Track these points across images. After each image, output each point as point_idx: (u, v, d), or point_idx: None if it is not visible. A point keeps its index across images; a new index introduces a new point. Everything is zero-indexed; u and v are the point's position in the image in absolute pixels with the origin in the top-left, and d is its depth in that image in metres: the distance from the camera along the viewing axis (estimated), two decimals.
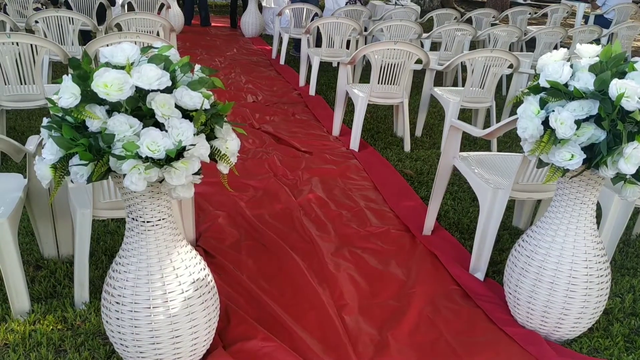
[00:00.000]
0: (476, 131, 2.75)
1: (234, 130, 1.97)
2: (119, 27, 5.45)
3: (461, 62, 4.78)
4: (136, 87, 1.75)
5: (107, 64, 1.79)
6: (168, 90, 1.85)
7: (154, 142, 1.74)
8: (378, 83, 4.37)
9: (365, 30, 6.78)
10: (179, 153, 1.79)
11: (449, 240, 3.05)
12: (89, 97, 1.73)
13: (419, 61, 4.46)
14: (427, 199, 3.52)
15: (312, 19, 7.63)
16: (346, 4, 8.97)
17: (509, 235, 3.16)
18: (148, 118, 1.79)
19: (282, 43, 7.76)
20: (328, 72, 7.22)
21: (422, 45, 7.53)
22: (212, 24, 10.89)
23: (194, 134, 1.81)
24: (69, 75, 1.75)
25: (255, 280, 2.61)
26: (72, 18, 5.38)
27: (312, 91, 6.10)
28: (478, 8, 9.34)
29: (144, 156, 1.72)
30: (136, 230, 1.97)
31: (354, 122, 4.40)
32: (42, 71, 4.36)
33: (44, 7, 7.12)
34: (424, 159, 4.29)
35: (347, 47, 6.56)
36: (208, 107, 1.89)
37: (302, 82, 6.53)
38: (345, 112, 4.95)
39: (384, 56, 4.31)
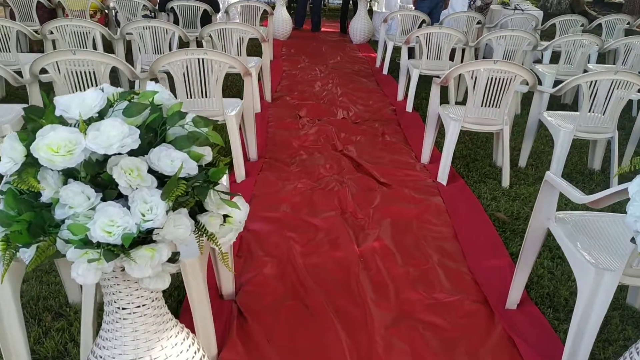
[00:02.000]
0: (578, 196, 2.06)
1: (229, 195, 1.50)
2: (211, 37, 5.20)
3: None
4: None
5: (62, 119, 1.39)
6: (147, 147, 1.42)
7: (111, 223, 1.31)
8: (475, 106, 3.71)
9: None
10: (146, 236, 1.35)
11: (537, 321, 2.38)
12: (33, 162, 1.34)
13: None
14: (517, 257, 2.84)
15: (420, 26, 6.99)
16: (469, 8, 8.21)
17: (619, 319, 2.42)
18: (112, 187, 1.37)
19: (387, 51, 7.20)
20: (430, 84, 6.54)
21: (541, 57, 6.63)
22: (322, 29, 10.54)
23: (168, 210, 1.37)
24: (13, 132, 1.37)
25: (285, 356, 2.13)
26: (167, 29, 5.20)
27: (409, 107, 5.50)
28: (614, 13, 8.16)
29: (95, 241, 1.30)
30: (112, 316, 1.56)
31: (444, 150, 3.77)
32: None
33: (152, 14, 7.10)
34: (524, 199, 3.57)
35: (452, 59, 5.87)
36: (194, 171, 1.43)
37: (400, 96, 5.94)
38: (440, 134, 4.31)
39: (482, 76, 3.64)
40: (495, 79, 3.66)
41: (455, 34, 5.37)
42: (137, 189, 1.36)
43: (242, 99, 3.91)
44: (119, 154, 1.34)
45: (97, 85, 3.65)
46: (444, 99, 4.19)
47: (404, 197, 3.48)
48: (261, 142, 4.42)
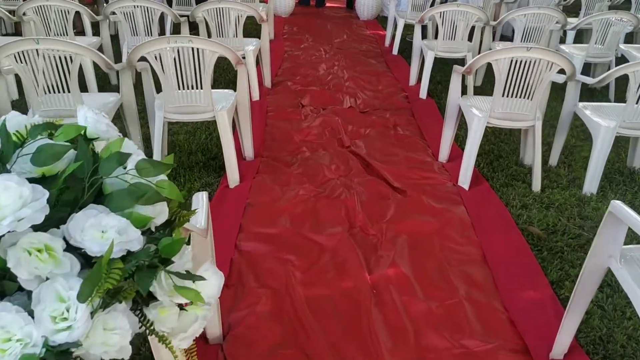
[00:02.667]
0: None
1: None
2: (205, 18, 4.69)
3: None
4: None
5: None
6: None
7: (5, 336, 0.85)
8: (502, 99, 3.21)
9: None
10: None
11: None
12: None
13: (562, 70, 3.22)
14: (559, 285, 2.39)
15: (432, 4, 6.43)
16: None
17: None
18: (9, 280, 0.91)
19: (397, 29, 6.65)
20: (447, 67, 6.01)
21: (564, 36, 6.07)
22: (327, 4, 9.95)
23: (95, 310, 0.91)
24: None
25: None
26: (154, 8, 4.68)
27: (422, 93, 4.99)
28: None
29: None
30: None
31: (466, 150, 3.28)
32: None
33: None
34: (559, 206, 3.10)
35: (470, 39, 5.34)
36: (137, 245, 0.97)
37: (412, 81, 5.42)
38: (460, 126, 3.82)
39: (512, 65, 3.14)
40: (526, 64, 3.15)
41: (474, 12, 4.83)
42: (47, 279, 0.90)
43: (235, 89, 3.43)
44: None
45: (70, 80, 3.11)
46: (462, 86, 3.68)
47: (421, 207, 3.00)
48: (258, 136, 3.94)
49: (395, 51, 6.68)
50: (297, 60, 6.18)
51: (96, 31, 5.16)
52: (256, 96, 4.79)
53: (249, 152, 3.61)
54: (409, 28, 6.41)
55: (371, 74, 5.71)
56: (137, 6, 4.51)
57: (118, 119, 3.31)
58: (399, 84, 5.42)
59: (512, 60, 3.13)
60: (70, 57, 2.93)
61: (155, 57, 2.96)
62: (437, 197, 3.11)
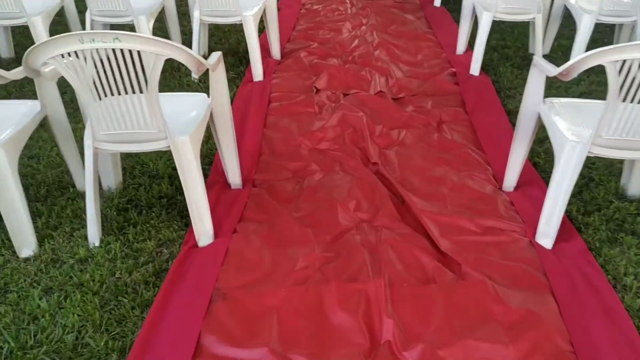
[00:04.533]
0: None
1: None
2: None
3: None
4: None
5: None
6: None
7: None
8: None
9: None
10: None
11: None
12: None
13: None
14: None
15: None
16: None
17: None
18: None
19: None
20: (504, 26, 4.69)
21: None
22: None
23: None
24: None
25: None
26: None
27: (474, 68, 3.74)
28: None
29: None
30: None
31: (552, 188, 2.11)
32: None
33: None
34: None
35: None
36: None
37: (461, 48, 4.14)
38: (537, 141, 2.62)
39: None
40: None
41: None
42: None
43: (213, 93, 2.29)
44: None
45: None
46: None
47: (486, 305, 1.85)
48: (252, 147, 2.82)
49: (437, 2, 5.33)
50: (316, 17, 4.92)
51: None
52: (259, 75, 3.63)
53: (234, 177, 2.51)
54: None
55: (408, 37, 4.43)
56: None
57: None
58: (443, 53, 4.15)
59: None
60: None
61: (68, 64, 1.82)
62: (509, 278, 1.97)
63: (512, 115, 3.24)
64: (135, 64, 1.81)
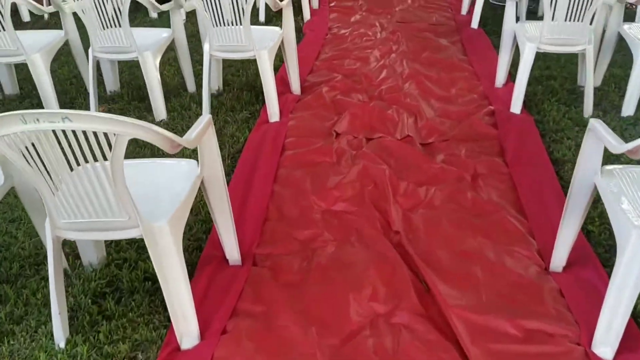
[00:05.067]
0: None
1: None
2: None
3: None
4: None
5: None
6: None
7: None
8: None
9: None
10: None
11: None
12: None
13: None
14: None
15: None
16: None
17: None
18: None
19: None
20: (551, 58, 4.20)
21: None
22: None
23: None
24: None
25: None
26: None
27: (515, 106, 3.29)
28: None
29: None
30: None
31: (610, 302, 1.68)
32: None
33: None
34: None
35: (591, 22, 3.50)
36: None
37: (500, 80, 3.70)
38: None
39: None
40: None
41: None
42: None
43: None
44: None
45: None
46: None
47: None
48: (258, 207, 2.47)
49: (474, 23, 4.89)
50: (343, 43, 4.54)
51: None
52: (275, 115, 3.28)
53: (232, 252, 2.15)
54: None
55: (441, 67, 4.01)
56: None
57: None
58: (480, 86, 3.71)
59: None
60: None
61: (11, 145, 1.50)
62: None
63: (558, 165, 2.80)
64: (91, 142, 1.47)
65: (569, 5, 3.03)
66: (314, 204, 2.51)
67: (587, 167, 1.90)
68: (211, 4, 3.01)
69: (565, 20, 3.09)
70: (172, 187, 1.84)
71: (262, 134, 3.12)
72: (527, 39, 3.24)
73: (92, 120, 1.43)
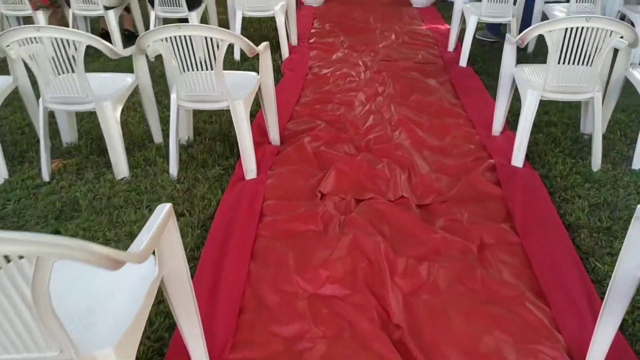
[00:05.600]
0: None
1: None
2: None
3: None
4: None
5: None
6: None
7: None
8: None
9: None
10: None
11: None
12: None
13: None
14: None
15: None
16: None
17: None
18: None
19: (466, 25, 4.59)
20: (548, 102, 3.93)
21: None
22: None
23: None
24: None
25: None
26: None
27: (517, 158, 2.98)
28: None
29: None
30: None
31: None
32: None
33: None
34: None
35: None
36: None
37: (497, 127, 3.39)
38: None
39: None
40: None
41: (620, 31, 2.72)
42: None
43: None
44: None
45: None
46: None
47: None
48: (231, 297, 2.07)
49: (463, 62, 4.61)
50: (325, 84, 4.20)
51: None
52: (251, 171, 2.90)
53: None
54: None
55: (432, 111, 3.69)
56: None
57: None
58: (476, 134, 3.39)
59: None
60: None
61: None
62: None
63: (572, 230, 2.47)
64: None
65: (576, 48, 2.74)
66: (299, 288, 2.12)
67: (633, 260, 1.56)
68: (179, 49, 2.64)
69: (571, 63, 2.80)
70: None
71: (237, 195, 2.73)
72: (529, 86, 2.94)
73: (8, 242, 1.03)
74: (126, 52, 2.82)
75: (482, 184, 2.79)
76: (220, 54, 2.62)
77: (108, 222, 2.55)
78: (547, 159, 3.11)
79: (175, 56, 2.66)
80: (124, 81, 3.05)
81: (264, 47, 2.88)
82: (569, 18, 2.69)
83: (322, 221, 2.51)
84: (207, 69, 2.68)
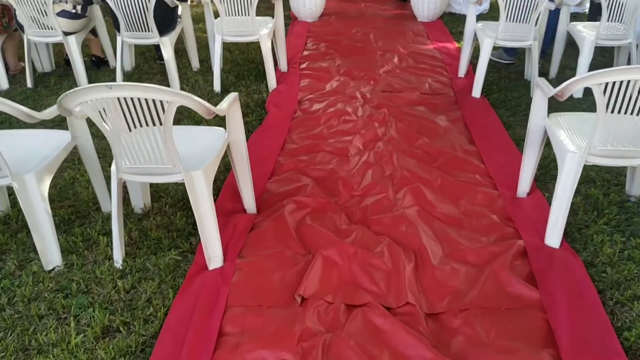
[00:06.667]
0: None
1: None
2: None
3: None
4: None
5: None
6: None
7: None
8: None
9: None
10: None
11: None
12: None
13: None
14: None
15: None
16: None
17: None
18: None
19: (480, 49, 3.92)
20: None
21: None
22: None
23: None
24: None
25: None
26: None
27: (552, 237, 2.30)
28: None
29: None
30: None
31: None
32: None
33: (75, 9, 4.09)
34: None
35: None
36: None
37: (524, 186, 2.71)
38: None
39: None
40: None
41: None
42: None
43: None
44: None
45: None
46: None
47: None
48: None
49: (477, 92, 3.93)
50: (315, 126, 3.52)
51: None
52: (216, 259, 2.24)
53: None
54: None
55: (443, 162, 3.03)
56: None
57: None
58: (498, 198, 2.71)
59: None
60: None
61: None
62: None
63: (632, 355, 1.80)
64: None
65: (629, 98, 2.07)
66: None
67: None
68: (112, 112, 1.98)
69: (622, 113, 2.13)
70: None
71: (192, 301, 2.07)
72: (568, 149, 2.26)
73: None
74: (46, 114, 2.14)
75: (511, 283, 2.11)
76: (168, 118, 1.95)
77: (17, 346, 1.90)
78: (589, 234, 2.44)
79: (109, 121, 2.01)
80: (58, 142, 2.40)
81: (228, 105, 2.20)
82: (628, 69, 2.01)
83: (299, 347, 1.85)
84: (153, 130, 2.04)
